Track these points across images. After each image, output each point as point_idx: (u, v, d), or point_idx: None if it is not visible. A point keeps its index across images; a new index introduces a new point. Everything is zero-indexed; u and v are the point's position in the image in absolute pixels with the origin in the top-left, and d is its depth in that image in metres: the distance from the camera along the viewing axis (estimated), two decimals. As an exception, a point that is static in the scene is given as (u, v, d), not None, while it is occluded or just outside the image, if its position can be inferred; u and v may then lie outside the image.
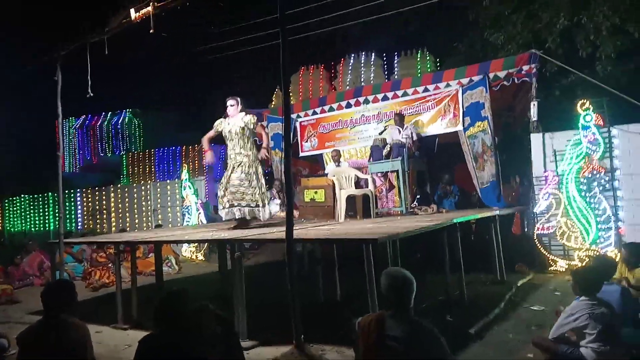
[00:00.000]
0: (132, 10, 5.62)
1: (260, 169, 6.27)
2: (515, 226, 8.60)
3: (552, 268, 7.33)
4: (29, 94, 22.66)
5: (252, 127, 6.19)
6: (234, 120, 6.23)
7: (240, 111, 6.26)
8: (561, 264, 7.27)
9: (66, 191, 7.28)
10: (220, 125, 6.33)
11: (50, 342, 3.19)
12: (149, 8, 5.40)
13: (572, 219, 7.18)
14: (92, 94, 6.42)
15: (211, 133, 6.40)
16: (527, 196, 8.17)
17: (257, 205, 6.12)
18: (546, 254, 7.40)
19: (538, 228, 7.44)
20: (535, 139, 7.73)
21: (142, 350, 2.91)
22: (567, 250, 7.31)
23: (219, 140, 6.55)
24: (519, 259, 7.58)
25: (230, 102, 6.29)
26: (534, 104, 7.74)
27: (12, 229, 16.99)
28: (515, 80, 7.98)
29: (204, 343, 2.96)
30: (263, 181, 6.28)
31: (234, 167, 6.15)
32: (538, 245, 7.43)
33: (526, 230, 8.18)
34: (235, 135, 6.16)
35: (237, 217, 6.20)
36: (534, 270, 7.38)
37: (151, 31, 5.48)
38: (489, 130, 7.74)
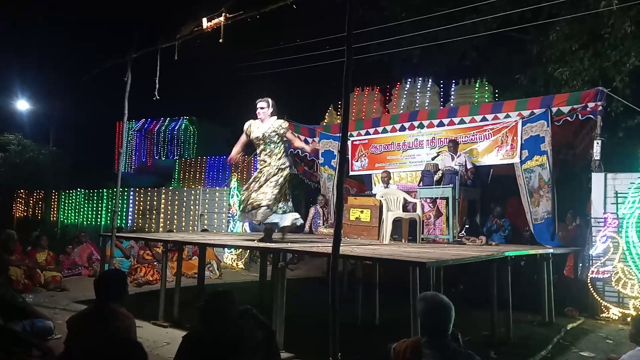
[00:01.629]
0: (204, 20, 5.84)
1: (284, 180, 5.75)
2: (568, 267, 8.22)
3: (604, 315, 6.94)
4: (93, 94, 23.91)
5: (282, 132, 5.76)
6: (265, 124, 5.79)
7: (272, 115, 5.82)
8: (614, 311, 6.87)
9: (120, 189, 7.59)
10: (250, 128, 5.88)
11: (98, 328, 3.28)
12: (221, 18, 5.60)
13: (629, 265, 6.80)
14: (158, 97, 6.66)
15: (242, 138, 5.97)
16: (583, 237, 7.82)
17: (268, 208, 5.63)
18: (599, 299, 7.02)
19: (592, 272, 7.08)
20: (597, 178, 7.42)
21: (185, 346, 2.95)
22: (621, 297, 6.92)
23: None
24: (570, 302, 7.22)
25: (260, 104, 5.83)
26: (597, 143, 7.45)
27: (65, 221, 17.76)
28: (579, 116, 7.71)
29: (246, 346, 2.97)
30: (286, 192, 5.82)
31: (258, 175, 5.75)
32: (591, 289, 7.06)
33: (579, 272, 7.80)
34: (262, 142, 5.76)
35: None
36: (584, 315, 7.00)
37: (220, 41, 5.66)
38: (548, 165, 7.50)
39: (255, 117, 5.91)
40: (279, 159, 5.79)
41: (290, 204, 5.93)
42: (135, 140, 22.46)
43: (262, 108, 5.83)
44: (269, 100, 5.87)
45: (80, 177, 21.05)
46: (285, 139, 5.91)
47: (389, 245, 6.67)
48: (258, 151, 5.90)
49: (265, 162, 5.79)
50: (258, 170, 5.87)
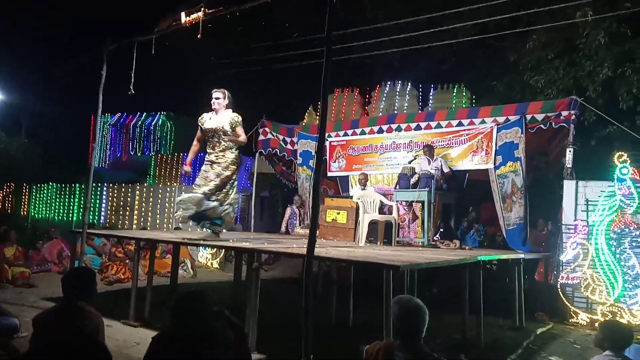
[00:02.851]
0: (182, 14, 5.76)
1: (235, 175, 5.76)
2: (539, 273, 8.38)
3: (573, 320, 7.09)
4: (67, 86, 23.40)
5: (235, 125, 5.64)
6: (219, 116, 5.67)
7: (227, 107, 5.70)
8: (583, 317, 7.03)
9: (94, 184, 7.42)
10: (202, 119, 5.75)
11: (65, 327, 3.20)
12: (200, 14, 5.52)
13: (598, 272, 6.96)
14: (133, 92, 6.54)
15: (198, 134, 5.87)
16: (554, 243, 7.97)
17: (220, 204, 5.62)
18: (568, 304, 7.17)
19: (562, 277, 7.23)
20: (568, 186, 7.58)
21: (155, 346, 2.89)
22: (590, 303, 7.08)
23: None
24: (540, 307, 7.36)
25: (216, 94, 5.68)
26: (569, 151, 7.61)
27: (36, 215, 17.34)
28: (553, 124, 7.86)
29: (217, 348, 2.92)
30: (235, 188, 5.82)
31: (208, 166, 5.69)
32: (561, 294, 7.21)
33: (550, 278, 7.95)
34: (216, 134, 5.64)
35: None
36: (554, 320, 7.15)
37: (198, 36, 5.58)
38: (521, 172, 7.62)
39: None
40: (232, 152, 5.70)
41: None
42: (111, 134, 22.05)
43: (217, 98, 5.68)
44: (225, 91, 5.74)
45: (52, 170, 20.57)
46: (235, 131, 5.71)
47: (364, 248, 6.69)
48: (210, 145, 5.75)
49: (217, 155, 5.67)
50: (206, 164, 5.74)
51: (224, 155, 5.69)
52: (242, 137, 5.74)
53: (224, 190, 5.72)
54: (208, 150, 5.82)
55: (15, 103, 23.75)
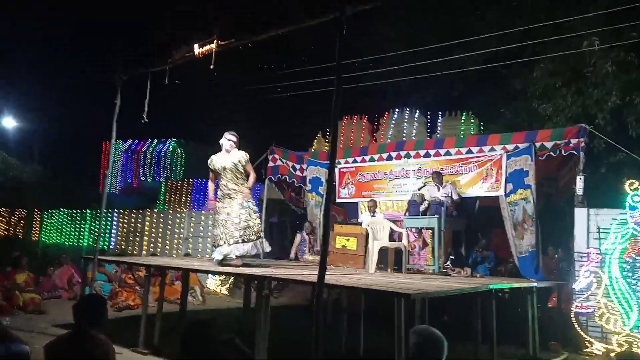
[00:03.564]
0: (196, 46, 5.90)
1: (252, 204, 6.36)
2: (552, 301, 8.26)
3: (587, 350, 6.94)
4: (80, 112, 23.83)
5: (244, 163, 6.33)
6: (229, 156, 6.34)
7: (237, 147, 6.44)
8: (597, 347, 6.88)
9: (105, 210, 7.52)
10: (211, 162, 6.45)
11: (77, 355, 3.21)
12: (213, 45, 5.66)
13: (612, 301, 6.85)
14: (147, 120, 6.66)
15: (211, 175, 6.58)
16: (566, 271, 7.88)
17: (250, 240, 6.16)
18: (582, 334, 7.04)
19: (576, 306, 7.12)
20: (580, 213, 7.52)
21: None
22: (604, 332, 6.94)
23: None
24: (553, 336, 7.24)
25: (231, 137, 6.38)
26: (580, 178, 7.57)
27: (47, 241, 17.44)
28: (562, 152, 7.86)
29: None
30: (256, 216, 6.39)
31: (224, 200, 6.28)
32: (575, 324, 7.08)
33: (563, 307, 7.83)
34: (229, 172, 6.29)
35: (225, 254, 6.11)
36: (568, 350, 7.01)
37: (211, 67, 5.71)
38: (532, 199, 7.59)
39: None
40: (243, 184, 6.35)
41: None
42: (122, 160, 22.31)
43: (232, 141, 6.38)
44: (237, 135, 6.46)
45: (64, 196, 20.78)
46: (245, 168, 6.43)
47: (374, 275, 6.67)
48: (223, 182, 6.35)
49: (232, 190, 6.29)
50: (223, 196, 6.32)
51: (236, 190, 6.31)
52: (252, 175, 6.46)
53: (250, 225, 6.24)
54: (221, 188, 6.40)
55: (28, 130, 24.22)
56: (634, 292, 6.75)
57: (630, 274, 6.82)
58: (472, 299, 5.66)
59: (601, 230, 7.28)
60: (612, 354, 6.03)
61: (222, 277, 11.26)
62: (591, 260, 7.10)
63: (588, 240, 7.39)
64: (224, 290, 11.51)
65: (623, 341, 6.56)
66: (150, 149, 21.98)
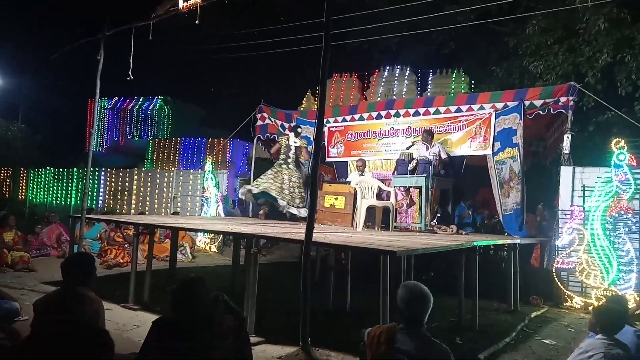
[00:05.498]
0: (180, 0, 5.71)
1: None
2: (534, 258, 8.46)
3: (567, 304, 7.18)
4: (64, 71, 23.24)
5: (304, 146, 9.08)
6: (297, 140, 9.00)
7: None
8: (577, 301, 7.12)
9: (91, 169, 7.45)
10: (282, 140, 9.04)
11: (66, 312, 3.24)
12: (198, -1, 5.49)
13: (593, 257, 7.03)
14: (132, 77, 6.51)
15: (276, 147, 9.07)
16: (550, 228, 8.04)
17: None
18: (563, 289, 7.26)
19: (558, 262, 7.30)
20: (565, 172, 7.61)
21: (155, 330, 2.93)
22: (584, 287, 7.16)
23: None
24: (535, 290, 7.45)
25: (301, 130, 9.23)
26: (567, 137, 7.62)
27: (34, 200, 17.34)
28: (551, 110, 7.86)
29: (216, 332, 2.97)
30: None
31: (285, 172, 8.66)
32: (556, 279, 7.29)
33: (545, 262, 8.03)
34: (292, 152, 8.87)
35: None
36: (549, 304, 7.24)
37: (196, 22, 5.55)
38: (519, 158, 7.64)
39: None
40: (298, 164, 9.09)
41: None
42: (108, 119, 21.90)
43: (301, 133, 9.35)
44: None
45: (50, 155, 20.51)
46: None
47: (361, 233, 6.74)
48: (283, 157, 8.86)
49: (290, 164, 8.88)
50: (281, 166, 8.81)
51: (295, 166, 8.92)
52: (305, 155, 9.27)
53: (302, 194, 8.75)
54: (280, 162, 8.86)
55: (12, 88, 23.63)
56: (614, 249, 6.92)
57: (612, 231, 6.98)
58: (456, 255, 5.77)
59: (586, 189, 7.39)
60: (590, 308, 6.23)
61: (211, 235, 11.35)
62: (574, 217, 7.24)
63: (572, 198, 7.51)
64: (214, 248, 11.61)
65: (601, 295, 6.77)
66: (137, 106, 21.59)
